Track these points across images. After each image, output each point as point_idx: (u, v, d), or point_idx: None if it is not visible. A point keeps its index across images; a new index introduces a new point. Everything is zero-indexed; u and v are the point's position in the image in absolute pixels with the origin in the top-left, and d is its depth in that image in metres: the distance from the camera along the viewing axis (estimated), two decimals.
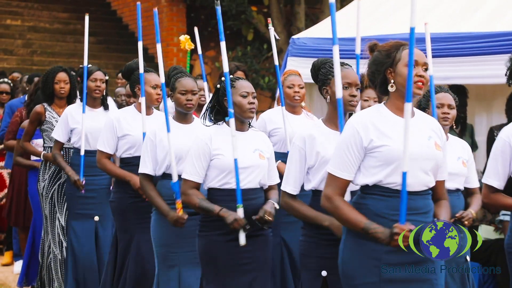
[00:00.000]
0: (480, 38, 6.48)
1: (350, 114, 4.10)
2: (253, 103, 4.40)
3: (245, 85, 4.45)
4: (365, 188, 3.55)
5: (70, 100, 6.72)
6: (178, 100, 4.98)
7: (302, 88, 5.99)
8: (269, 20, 6.09)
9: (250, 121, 4.51)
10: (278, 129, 5.92)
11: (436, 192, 3.65)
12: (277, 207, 4.38)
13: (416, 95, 3.52)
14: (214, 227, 4.34)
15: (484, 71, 6.48)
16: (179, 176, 4.72)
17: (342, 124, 3.81)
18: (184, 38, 6.48)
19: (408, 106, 3.33)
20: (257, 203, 4.38)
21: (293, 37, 8.23)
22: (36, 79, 7.82)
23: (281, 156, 5.75)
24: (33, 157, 7.11)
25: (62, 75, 6.65)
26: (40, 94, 6.85)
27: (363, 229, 3.42)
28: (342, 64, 4.08)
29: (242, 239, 4.26)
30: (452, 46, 6.46)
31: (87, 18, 6.34)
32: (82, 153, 6.17)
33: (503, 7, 6.85)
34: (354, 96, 4.06)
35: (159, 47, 5.11)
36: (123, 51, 16.70)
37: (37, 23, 16.33)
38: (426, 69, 3.55)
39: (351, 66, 4.18)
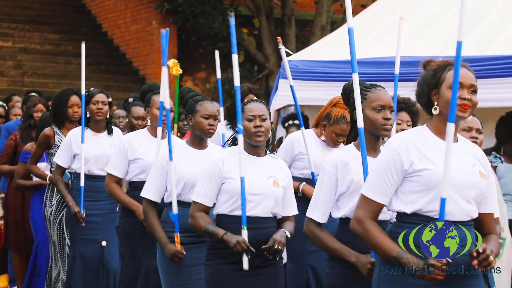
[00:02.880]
0: (470, 62, 6.47)
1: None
2: (260, 126, 4.15)
3: (251, 108, 4.21)
4: (402, 216, 3.30)
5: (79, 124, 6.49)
6: (200, 124, 4.72)
7: (344, 136, 5.47)
8: (279, 39, 5.83)
9: (268, 147, 4.31)
10: (306, 154, 5.54)
11: (484, 226, 3.39)
12: (289, 236, 4.15)
13: (460, 119, 3.26)
14: (220, 255, 4.13)
15: None
16: (189, 203, 4.55)
17: (364, 153, 3.67)
18: (172, 63, 6.38)
19: (451, 127, 3.12)
20: (268, 233, 4.11)
21: None
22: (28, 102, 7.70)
23: (305, 181, 5.56)
24: (35, 179, 6.92)
25: (75, 99, 6.47)
26: (48, 117, 6.69)
27: (395, 257, 3.19)
28: (374, 85, 3.89)
29: (245, 263, 4.01)
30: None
31: (83, 46, 6.15)
32: (82, 184, 5.99)
33: (494, 32, 6.89)
34: (388, 119, 3.78)
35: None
36: (114, 72, 16.72)
37: (28, 44, 16.35)
38: (474, 91, 3.29)
39: (384, 88, 3.91)
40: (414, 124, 4.84)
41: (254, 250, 4.01)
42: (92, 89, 6.25)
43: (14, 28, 16.56)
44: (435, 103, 3.30)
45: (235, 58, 4.28)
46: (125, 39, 17.27)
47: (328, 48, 8.14)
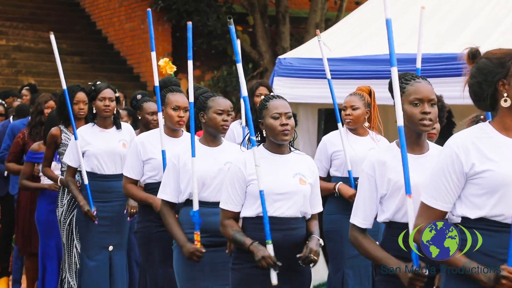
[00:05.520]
0: None
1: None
2: (287, 124, 3.96)
3: (276, 105, 4.02)
4: (466, 222, 3.05)
5: (88, 121, 6.35)
6: (214, 120, 4.57)
7: (355, 109, 5.62)
8: (318, 31, 5.80)
9: (291, 143, 4.13)
10: (340, 151, 5.62)
11: None
12: (322, 244, 4.01)
13: None
14: (249, 259, 3.94)
15: (467, 92, 6.49)
16: (204, 202, 4.53)
17: (404, 151, 3.42)
18: (163, 62, 6.24)
19: None
20: (297, 235, 3.99)
21: (279, 57, 8.22)
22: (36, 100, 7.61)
23: (342, 181, 5.60)
24: (43, 180, 6.76)
25: (81, 95, 6.32)
26: (55, 115, 6.57)
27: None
28: (415, 77, 3.62)
29: (274, 278, 3.86)
30: (439, 66, 6.48)
31: (52, 37, 6.06)
32: (86, 182, 5.85)
33: (488, 28, 6.89)
34: (427, 113, 3.50)
35: (239, 66, 4.28)
36: (108, 70, 16.68)
37: (22, 42, 16.30)
38: None
39: (425, 79, 3.64)
40: (440, 120, 4.71)
41: (281, 264, 3.87)
42: (98, 82, 6.06)
43: (8, 26, 16.51)
44: (505, 94, 3.03)
45: (239, 68, 4.11)
46: (119, 37, 17.23)
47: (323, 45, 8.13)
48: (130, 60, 16.94)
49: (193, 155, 4.51)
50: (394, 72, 3.49)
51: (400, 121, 3.46)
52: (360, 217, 3.57)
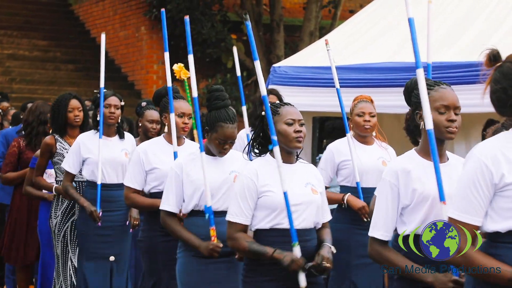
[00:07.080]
0: (460, 68, 6.52)
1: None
2: (300, 131, 3.85)
3: (290, 112, 3.90)
4: (496, 236, 2.87)
5: (83, 129, 6.30)
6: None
7: (373, 116, 5.54)
8: (327, 41, 5.77)
9: (298, 152, 3.98)
10: (348, 161, 5.51)
11: None
12: (334, 251, 3.86)
13: None
14: (262, 272, 3.82)
15: (462, 100, 6.50)
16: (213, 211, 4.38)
17: (436, 157, 3.29)
18: (177, 66, 6.10)
19: None
20: (312, 245, 3.85)
21: (274, 65, 8.25)
22: (29, 105, 7.43)
23: (351, 191, 5.52)
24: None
25: (75, 103, 6.24)
26: (51, 123, 6.45)
27: (510, 280, 2.77)
28: (439, 83, 3.48)
29: (303, 281, 3.69)
30: (436, 75, 6.48)
31: (103, 36, 5.95)
32: (99, 182, 5.72)
33: (482, 38, 6.91)
34: (453, 121, 3.37)
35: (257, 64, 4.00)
36: None
37: (16, 50, 16.31)
38: None
39: (449, 86, 3.49)
40: None
41: (310, 265, 3.72)
42: (104, 90, 5.97)
43: (3, 35, 16.52)
44: None
45: (257, 65, 3.97)
46: (113, 45, 17.24)
47: (317, 53, 8.15)
48: (125, 68, 16.95)
49: (202, 149, 4.44)
50: (420, 74, 3.33)
51: (430, 125, 3.30)
52: (381, 229, 3.40)
